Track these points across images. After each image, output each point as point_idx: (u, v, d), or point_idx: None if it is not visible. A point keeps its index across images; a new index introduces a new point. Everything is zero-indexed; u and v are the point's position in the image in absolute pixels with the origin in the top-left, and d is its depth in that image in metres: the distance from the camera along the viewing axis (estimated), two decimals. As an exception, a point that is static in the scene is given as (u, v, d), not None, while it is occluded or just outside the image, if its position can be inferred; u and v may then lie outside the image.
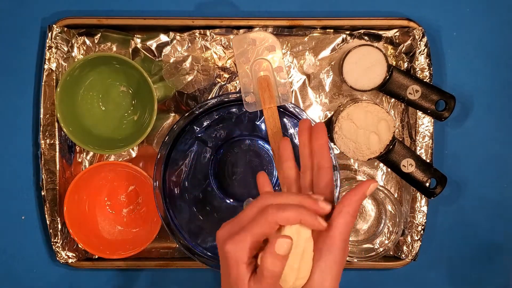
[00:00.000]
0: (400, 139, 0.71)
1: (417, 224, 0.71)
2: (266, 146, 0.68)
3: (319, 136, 0.49)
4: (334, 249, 0.44)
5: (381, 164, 0.73)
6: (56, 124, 0.69)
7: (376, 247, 0.72)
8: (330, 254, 0.43)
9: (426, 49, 0.69)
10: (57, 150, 0.69)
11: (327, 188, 0.48)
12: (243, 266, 0.42)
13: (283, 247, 0.41)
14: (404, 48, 0.71)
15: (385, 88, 0.68)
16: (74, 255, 0.71)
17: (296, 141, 0.65)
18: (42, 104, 0.68)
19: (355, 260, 0.70)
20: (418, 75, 0.69)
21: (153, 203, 0.65)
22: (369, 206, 0.73)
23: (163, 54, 0.70)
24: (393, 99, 0.72)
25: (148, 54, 0.71)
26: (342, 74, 0.68)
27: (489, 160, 0.73)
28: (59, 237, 0.70)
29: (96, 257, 0.73)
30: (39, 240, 0.73)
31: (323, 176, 0.48)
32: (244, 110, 0.60)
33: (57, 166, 0.70)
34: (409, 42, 0.70)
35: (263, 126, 0.66)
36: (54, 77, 0.69)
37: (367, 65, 0.67)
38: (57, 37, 0.68)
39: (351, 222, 0.44)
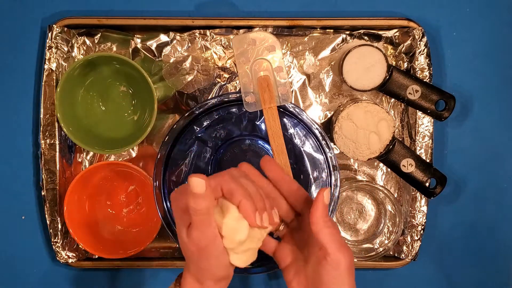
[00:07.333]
0: (400, 139, 0.71)
1: (417, 224, 0.71)
2: (266, 146, 0.68)
3: (268, 169, 0.53)
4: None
5: (381, 164, 0.73)
6: (56, 124, 0.69)
7: (376, 247, 0.72)
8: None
9: (426, 49, 0.69)
10: (57, 150, 0.69)
11: (301, 199, 0.52)
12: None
13: (197, 185, 0.44)
14: (404, 48, 0.71)
15: (385, 88, 0.68)
16: (74, 255, 0.71)
17: (296, 141, 0.65)
18: (42, 104, 0.68)
19: (355, 260, 0.70)
20: (418, 75, 0.69)
21: (153, 203, 0.65)
22: (369, 206, 0.73)
23: (163, 54, 0.70)
24: (393, 99, 0.72)
25: (148, 54, 0.71)
26: (342, 74, 0.67)
27: (489, 160, 0.73)
28: (59, 237, 0.70)
29: (96, 257, 0.73)
30: (39, 240, 0.73)
31: (293, 196, 0.52)
32: (244, 110, 0.60)
33: (57, 166, 0.70)
34: (409, 42, 0.70)
35: (263, 126, 0.66)
36: (54, 77, 0.69)
37: (367, 65, 0.67)
38: (57, 37, 0.68)
39: (335, 232, 0.47)
